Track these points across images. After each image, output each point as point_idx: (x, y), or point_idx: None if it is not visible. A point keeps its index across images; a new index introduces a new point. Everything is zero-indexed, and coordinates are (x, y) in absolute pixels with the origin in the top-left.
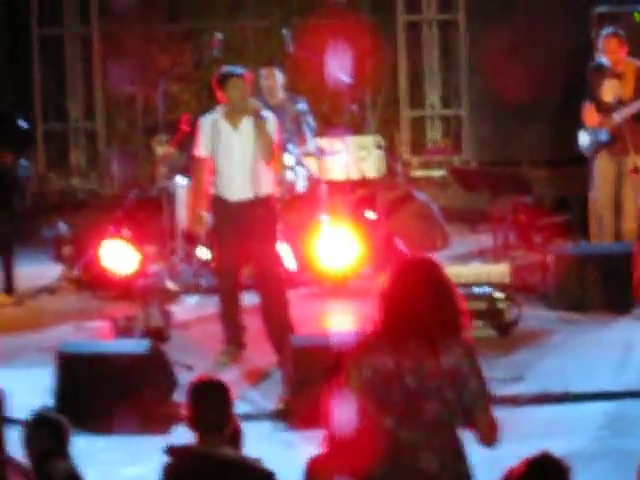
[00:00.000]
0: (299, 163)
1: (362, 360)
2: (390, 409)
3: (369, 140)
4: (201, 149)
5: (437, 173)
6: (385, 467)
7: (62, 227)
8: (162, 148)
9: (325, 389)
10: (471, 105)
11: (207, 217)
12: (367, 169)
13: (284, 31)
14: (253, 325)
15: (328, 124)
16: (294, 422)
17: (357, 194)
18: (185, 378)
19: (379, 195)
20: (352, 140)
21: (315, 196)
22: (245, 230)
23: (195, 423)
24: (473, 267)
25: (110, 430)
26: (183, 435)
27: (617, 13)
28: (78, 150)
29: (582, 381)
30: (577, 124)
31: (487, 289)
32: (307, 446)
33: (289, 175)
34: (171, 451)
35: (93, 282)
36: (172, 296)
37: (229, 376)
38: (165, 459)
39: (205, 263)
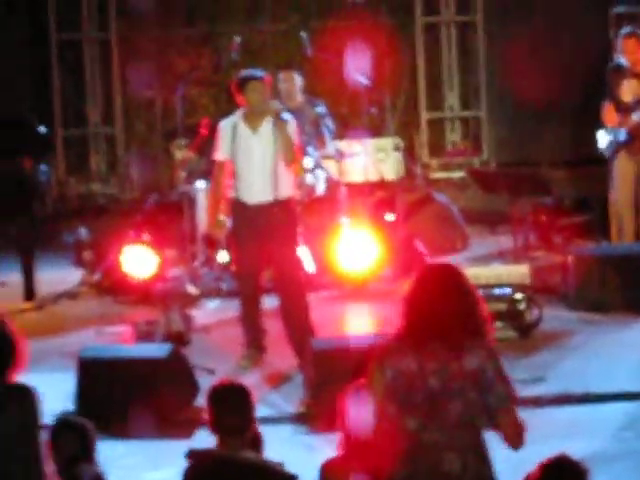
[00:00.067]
0: (318, 166)
1: (385, 362)
2: (413, 411)
3: (388, 142)
4: (221, 153)
5: (456, 175)
6: (408, 468)
7: (82, 232)
8: (181, 152)
9: (342, 391)
10: (490, 106)
11: (226, 221)
12: (386, 171)
13: (302, 34)
14: (273, 328)
15: (347, 126)
16: (315, 425)
17: (376, 196)
18: (206, 382)
19: (398, 197)
20: (371, 142)
21: (335, 199)
22: (265, 233)
23: (216, 427)
24: (493, 268)
25: (131, 435)
26: (205, 439)
27: (635, 13)
28: (98, 155)
29: (603, 382)
30: (596, 124)
31: (507, 290)
32: (328, 449)
33: (309, 178)
34: (192, 455)
35: (114, 287)
36: (193, 300)
37: (250, 380)
38: (186, 463)
39: (225, 267)
